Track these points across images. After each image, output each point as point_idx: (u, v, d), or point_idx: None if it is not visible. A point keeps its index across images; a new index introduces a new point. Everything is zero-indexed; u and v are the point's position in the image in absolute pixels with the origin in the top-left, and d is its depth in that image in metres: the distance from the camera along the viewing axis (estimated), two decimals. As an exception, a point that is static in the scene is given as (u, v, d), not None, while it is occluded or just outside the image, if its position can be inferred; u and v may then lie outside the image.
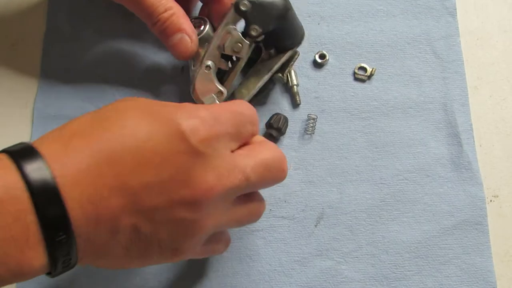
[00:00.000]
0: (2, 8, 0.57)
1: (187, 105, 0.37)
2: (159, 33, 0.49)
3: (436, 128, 0.53)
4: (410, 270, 0.49)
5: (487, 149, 0.53)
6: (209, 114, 0.36)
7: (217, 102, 0.50)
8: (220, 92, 0.49)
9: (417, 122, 0.53)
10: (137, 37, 0.55)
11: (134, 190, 0.33)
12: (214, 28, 0.51)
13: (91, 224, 0.33)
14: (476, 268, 0.49)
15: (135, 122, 0.34)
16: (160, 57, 0.55)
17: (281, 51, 0.51)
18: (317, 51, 0.55)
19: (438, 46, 0.56)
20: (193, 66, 0.50)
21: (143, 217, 0.34)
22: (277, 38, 0.50)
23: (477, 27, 0.57)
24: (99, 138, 0.33)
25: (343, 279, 0.49)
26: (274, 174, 0.40)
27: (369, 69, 0.55)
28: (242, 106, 0.39)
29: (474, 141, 0.53)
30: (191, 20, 0.51)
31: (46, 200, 0.31)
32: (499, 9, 0.58)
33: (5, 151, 0.34)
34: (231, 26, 0.48)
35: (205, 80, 0.49)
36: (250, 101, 0.52)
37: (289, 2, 0.49)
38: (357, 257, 0.50)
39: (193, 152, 0.35)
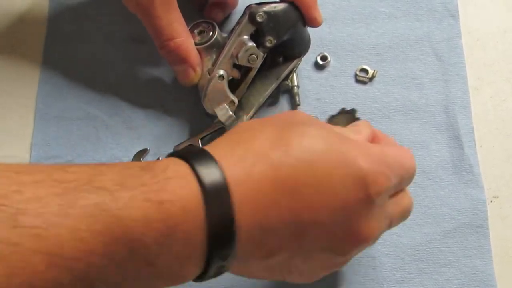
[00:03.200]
0: (3, 8, 0.57)
1: (365, 146, 0.36)
2: (164, 56, 0.50)
3: (437, 130, 0.53)
4: (410, 273, 0.49)
5: (488, 150, 0.53)
6: (387, 165, 0.36)
7: (230, 112, 0.49)
8: (232, 102, 0.49)
9: (418, 124, 0.53)
10: (141, 39, 0.55)
11: (304, 225, 0.33)
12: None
13: (251, 245, 0.33)
14: (477, 271, 0.49)
15: (317, 153, 0.34)
16: (164, 60, 0.55)
17: (289, 59, 0.51)
18: (319, 52, 0.55)
19: (440, 48, 0.56)
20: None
21: (301, 251, 0.35)
22: (287, 46, 0.50)
23: (477, 27, 0.57)
24: (281, 162, 0.33)
25: (343, 281, 0.49)
26: (406, 218, 0.42)
27: (370, 71, 0.55)
28: (410, 162, 0.40)
29: (475, 144, 0.53)
30: (199, 23, 0.51)
31: (221, 225, 0.31)
32: (499, 10, 0.58)
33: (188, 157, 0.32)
34: (245, 37, 0.48)
35: (217, 89, 0.49)
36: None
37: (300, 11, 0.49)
38: (357, 260, 0.49)
39: (368, 202, 0.35)
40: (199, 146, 0.51)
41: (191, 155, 0.32)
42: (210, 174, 0.31)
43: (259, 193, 0.32)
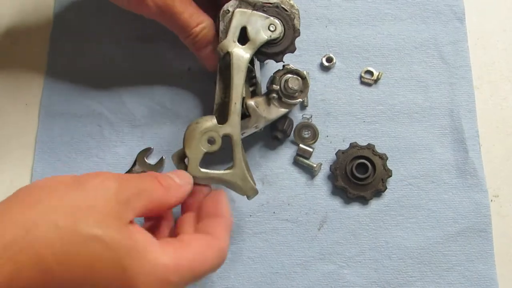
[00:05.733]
0: (7, 6, 0.57)
1: (150, 262, 0.35)
2: (191, 45, 0.50)
3: (442, 133, 0.53)
4: (412, 276, 0.49)
5: (488, 149, 0.53)
6: (169, 283, 0.35)
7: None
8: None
9: (423, 127, 0.53)
10: (146, 36, 0.55)
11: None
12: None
13: None
14: (479, 275, 0.49)
15: (96, 257, 0.33)
16: (167, 56, 0.55)
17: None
18: (324, 54, 0.55)
19: (445, 51, 0.55)
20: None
21: None
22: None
23: (477, 26, 0.57)
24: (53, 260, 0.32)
25: (345, 283, 0.49)
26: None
27: (375, 73, 0.55)
28: (210, 262, 0.38)
29: (480, 148, 0.52)
30: None
31: None
32: (499, 9, 0.58)
33: None
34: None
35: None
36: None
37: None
38: (359, 262, 0.49)
39: None
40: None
41: None
42: None
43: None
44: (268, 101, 0.48)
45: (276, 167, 0.52)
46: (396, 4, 0.57)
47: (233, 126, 0.45)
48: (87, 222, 0.34)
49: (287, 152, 0.53)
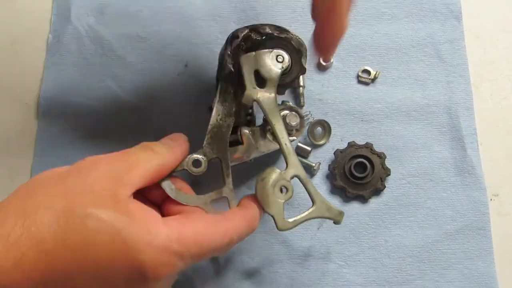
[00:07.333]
0: (6, 3, 0.57)
1: (152, 232, 0.35)
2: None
3: (440, 132, 0.53)
4: (412, 275, 0.49)
5: (488, 148, 0.53)
6: (174, 253, 0.36)
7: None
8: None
9: (421, 125, 0.53)
10: (146, 35, 0.55)
11: None
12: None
13: None
14: (479, 273, 0.49)
15: (100, 241, 0.34)
16: (164, 53, 0.55)
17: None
18: (321, 53, 0.55)
19: (443, 50, 0.56)
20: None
21: None
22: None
23: (477, 25, 0.57)
24: (56, 250, 0.34)
25: (345, 282, 0.49)
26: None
27: (373, 72, 0.55)
28: (218, 239, 0.38)
29: (478, 146, 0.53)
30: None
31: None
32: (498, 8, 0.58)
33: None
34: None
35: None
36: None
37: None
38: (359, 261, 0.49)
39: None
40: None
41: None
42: None
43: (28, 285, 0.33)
44: (263, 133, 0.48)
45: (274, 167, 0.52)
46: (393, 3, 0.57)
47: (296, 166, 0.44)
48: (81, 203, 0.35)
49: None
